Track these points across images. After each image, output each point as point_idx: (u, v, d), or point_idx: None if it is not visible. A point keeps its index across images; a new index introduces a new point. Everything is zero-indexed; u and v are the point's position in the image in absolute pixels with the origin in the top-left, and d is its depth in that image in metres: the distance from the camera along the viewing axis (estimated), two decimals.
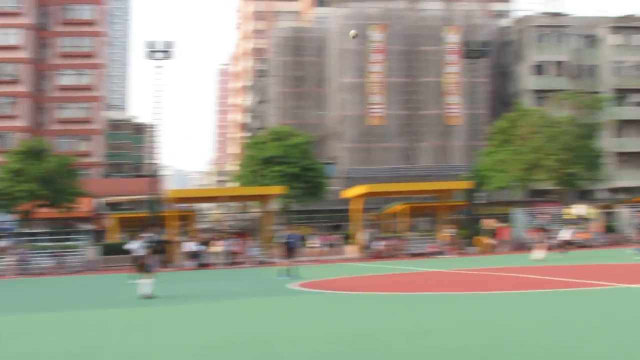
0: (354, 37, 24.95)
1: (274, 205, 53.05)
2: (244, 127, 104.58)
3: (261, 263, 42.47)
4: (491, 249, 44.65)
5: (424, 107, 69.07)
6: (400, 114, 68.42)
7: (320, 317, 14.05)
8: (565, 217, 49.24)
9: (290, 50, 70.81)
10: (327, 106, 70.17)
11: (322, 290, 20.54)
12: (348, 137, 67.65)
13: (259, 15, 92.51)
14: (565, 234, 36.45)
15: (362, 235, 47.10)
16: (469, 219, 51.16)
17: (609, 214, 55.05)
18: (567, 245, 35.43)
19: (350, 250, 47.51)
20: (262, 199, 49.26)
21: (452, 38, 69.46)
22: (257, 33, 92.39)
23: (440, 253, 43.53)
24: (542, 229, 33.30)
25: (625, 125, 69.61)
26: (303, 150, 55.27)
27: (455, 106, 69.10)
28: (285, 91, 70.40)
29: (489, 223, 46.62)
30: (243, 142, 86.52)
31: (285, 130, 57.37)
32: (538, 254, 31.46)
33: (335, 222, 61.67)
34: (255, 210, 64.87)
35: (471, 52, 52.26)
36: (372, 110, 67.72)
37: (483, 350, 9.43)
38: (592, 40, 71.78)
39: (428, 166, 67.75)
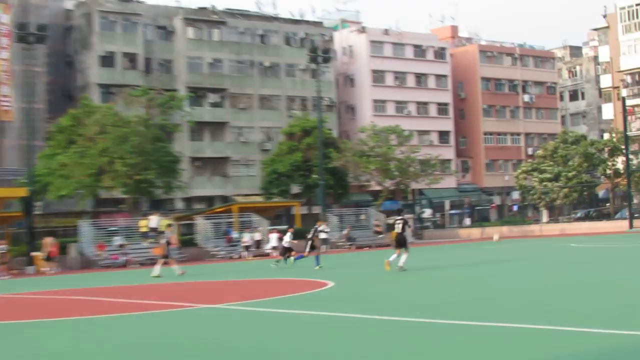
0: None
1: None
2: None
3: None
4: (47, 268, 43.36)
5: None
6: None
7: None
8: (142, 229, 49.39)
9: None
10: None
11: None
12: None
13: None
14: (286, 241, 35.80)
15: None
16: (25, 233, 49.21)
17: (186, 225, 56.56)
18: (288, 252, 34.88)
19: None
20: None
21: (4, 18, 65.98)
22: None
23: None
24: (166, 244, 32.40)
25: (201, 128, 71.97)
26: None
27: (7, 98, 65.80)
28: None
29: (46, 241, 45.01)
30: None
31: None
32: (172, 268, 31.14)
33: None
34: None
35: (26, 35, 49.97)
36: None
37: None
38: (166, 32, 73.28)
39: None
